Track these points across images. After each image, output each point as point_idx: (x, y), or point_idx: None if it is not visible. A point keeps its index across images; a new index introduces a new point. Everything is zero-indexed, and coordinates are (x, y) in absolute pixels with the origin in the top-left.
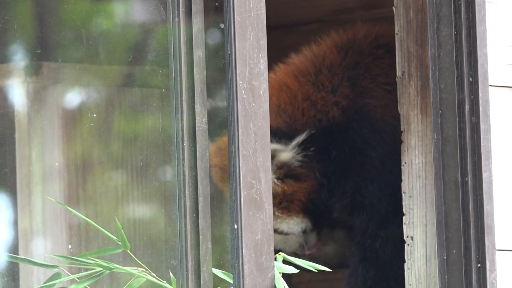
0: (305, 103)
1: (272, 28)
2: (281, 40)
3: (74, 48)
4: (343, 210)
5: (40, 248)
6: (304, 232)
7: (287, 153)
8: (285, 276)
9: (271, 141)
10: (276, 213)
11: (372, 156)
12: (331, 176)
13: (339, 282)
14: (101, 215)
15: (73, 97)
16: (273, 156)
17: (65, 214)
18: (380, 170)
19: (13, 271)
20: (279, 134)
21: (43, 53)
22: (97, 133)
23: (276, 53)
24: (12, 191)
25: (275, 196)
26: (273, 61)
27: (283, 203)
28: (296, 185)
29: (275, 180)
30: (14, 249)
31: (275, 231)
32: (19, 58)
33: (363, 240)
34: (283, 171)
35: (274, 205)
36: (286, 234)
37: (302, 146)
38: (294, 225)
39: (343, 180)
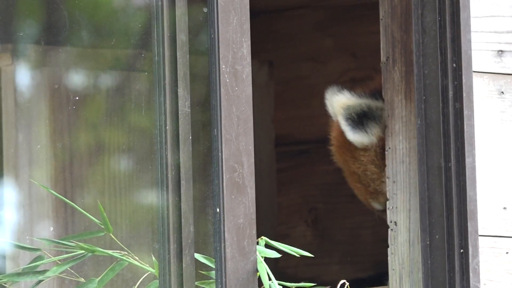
0: None
1: (260, 13)
2: (269, 24)
3: (58, 31)
4: None
5: (24, 231)
6: None
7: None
8: (272, 261)
9: (373, 99)
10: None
11: None
12: None
13: (326, 267)
14: (85, 198)
15: (58, 80)
16: (381, 116)
17: (49, 197)
18: None
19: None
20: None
21: (28, 36)
22: (80, 116)
23: (264, 38)
24: None
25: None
26: (260, 45)
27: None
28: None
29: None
30: None
31: None
32: (5, 41)
33: None
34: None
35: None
36: None
37: None
38: None
39: None
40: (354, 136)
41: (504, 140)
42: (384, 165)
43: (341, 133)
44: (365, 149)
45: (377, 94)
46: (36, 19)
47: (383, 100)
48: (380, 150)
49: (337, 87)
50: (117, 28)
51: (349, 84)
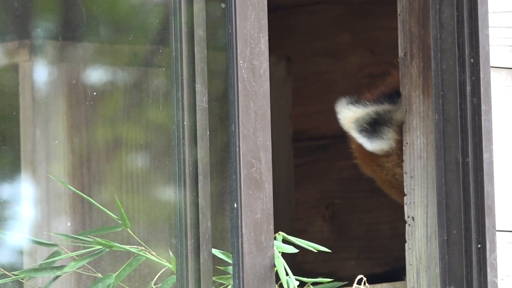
0: None
1: (278, 8)
2: (286, 20)
3: (75, 27)
4: None
5: (42, 226)
6: None
7: (400, 112)
8: (289, 256)
9: (379, 104)
10: None
11: None
12: None
13: (343, 262)
14: (102, 194)
15: (76, 76)
16: (391, 118)
17: (67, 192)
18: None
19: (17, 248)
20: (391, 95)
21: (45, 32)
22: (98, 112)
23: (282, 33)
24: (16, 169)
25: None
26: (277, 41)
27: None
28: None
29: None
30: (16, 227)
31: None
32: (23, 37)
33: None
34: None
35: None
36: None
37: None
38: None
39: None
40: (373, 145)
41: None
42: None
43: (360, 146)
44: (387, 155)
45: (381, 98)
46: (54, 15)
47: (389, 101)
48: (401, 152)
49: (345, 99)
50: (135, 23)
51: (367, 79)
